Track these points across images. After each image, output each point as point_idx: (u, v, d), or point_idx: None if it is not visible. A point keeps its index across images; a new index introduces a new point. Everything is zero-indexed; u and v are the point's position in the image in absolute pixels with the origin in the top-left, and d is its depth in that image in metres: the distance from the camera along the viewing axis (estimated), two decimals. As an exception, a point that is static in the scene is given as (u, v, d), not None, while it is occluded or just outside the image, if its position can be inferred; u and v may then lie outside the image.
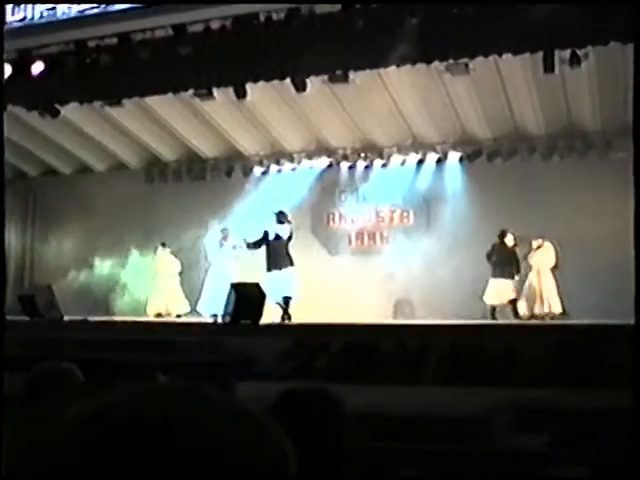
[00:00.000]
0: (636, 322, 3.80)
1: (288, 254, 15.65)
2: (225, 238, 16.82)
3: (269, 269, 15.62)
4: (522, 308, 16.26)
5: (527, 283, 16.42)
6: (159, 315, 17.86)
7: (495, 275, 16.37)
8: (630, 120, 15.60)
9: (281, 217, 15.85)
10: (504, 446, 5.67)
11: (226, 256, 16.69)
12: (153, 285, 18.57)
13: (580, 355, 9.64)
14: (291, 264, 15.61)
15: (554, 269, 16.32)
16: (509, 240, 16.38)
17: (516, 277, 16.41)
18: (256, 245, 15.84)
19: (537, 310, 16.11)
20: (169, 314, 17.82)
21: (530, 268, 16.47)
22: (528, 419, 6.09)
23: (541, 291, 16.19)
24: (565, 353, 9.71)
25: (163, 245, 18.56)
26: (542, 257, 16.37)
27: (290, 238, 15.73)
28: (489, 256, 16.40)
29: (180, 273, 18.36)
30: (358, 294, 17.37)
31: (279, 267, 15.53)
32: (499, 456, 5.19)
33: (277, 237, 15.71)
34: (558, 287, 16.13)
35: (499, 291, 16.34)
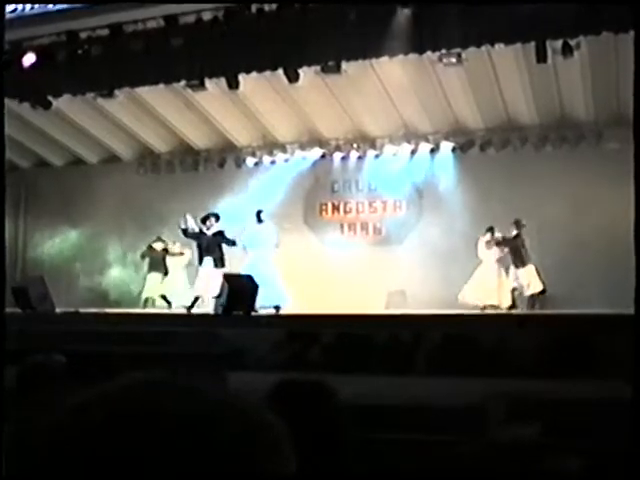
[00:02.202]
0: (636, 312, 3.80)
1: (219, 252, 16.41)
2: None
3: (200, 261, 16.44)
4: (471, 297, 16.25)
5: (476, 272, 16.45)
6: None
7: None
8: (622, 110, 15.58)
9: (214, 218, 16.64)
10: (497, 437, 5.68)
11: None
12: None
13: (574, 345, 9.65)
14: (220, 265, 16.30)
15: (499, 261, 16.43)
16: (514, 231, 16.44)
17: (519, 267, 16.41)
18: (191, 236, 16.61)
19: (484, 301, 16.13)
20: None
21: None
22: (520, 409, 6.10)
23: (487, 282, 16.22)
24: (559, 343, 9.72)
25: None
26: (487, 249, 16.52)
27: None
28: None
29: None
30: (351, 285, 17.37)
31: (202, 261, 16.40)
32: (493, 446, 5.19)
33: (205, 233, 16.44)
34: (501, 278, 16.18)
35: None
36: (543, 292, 16.26)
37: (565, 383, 7.47)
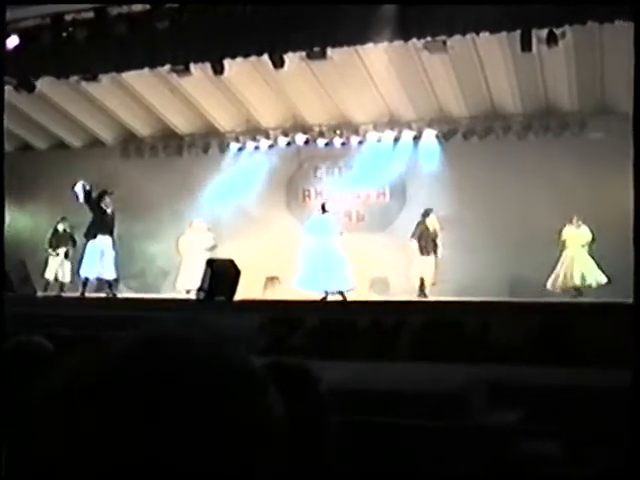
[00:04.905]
0: (635, 301, 3.83)
1: (108, 227, 16.20)
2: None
3: (95, 236, 16.12)
4: (557, 281, 16.22)
5: (562, 258, 16.31)
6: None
7: (422, 253, 16.56)
8: (607, 100, 15.56)
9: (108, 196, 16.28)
10: (481, 423, 5.71)
11: None
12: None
13: (551, 333, 9.71)
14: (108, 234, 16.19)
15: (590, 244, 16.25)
16: (431, 220, 16.51)
17: (434, 255, 16.54)
18: (91, 205, 16.15)
19: (576, 282, 16.07)
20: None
21: (563, 245, 16.36)
22: (502, 396, 6.13)
23: (576, 266, 16.12)
24: (538, 330, 9.78)
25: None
26: (576, 234, 16.32)
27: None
28: (413, 234, 16.67)
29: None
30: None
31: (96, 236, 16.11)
32: (475, 432, 5.23)
33: (104, 210, 16.11)
34: (595, 261, 15.98)
35: (422, 268, 16.51)
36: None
37: (548, 370, 7.52)
